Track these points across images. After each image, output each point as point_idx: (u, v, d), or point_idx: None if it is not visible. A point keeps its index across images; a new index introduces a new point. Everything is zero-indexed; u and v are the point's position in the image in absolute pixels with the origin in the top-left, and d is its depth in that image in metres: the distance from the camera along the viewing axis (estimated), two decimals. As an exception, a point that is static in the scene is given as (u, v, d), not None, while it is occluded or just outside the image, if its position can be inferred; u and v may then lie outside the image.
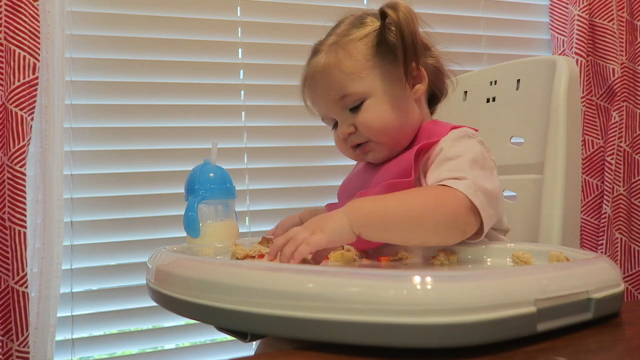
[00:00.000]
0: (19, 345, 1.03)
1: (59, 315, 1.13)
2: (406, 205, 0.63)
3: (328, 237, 0.60)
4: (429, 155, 0.74)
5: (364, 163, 0.89)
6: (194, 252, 0.79)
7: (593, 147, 1.49)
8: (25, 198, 1.03)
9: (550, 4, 1.59)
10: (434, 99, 0.88)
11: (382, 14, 0.77)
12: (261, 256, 0.69)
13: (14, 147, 1.02)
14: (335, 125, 0.83)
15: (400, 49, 0.75)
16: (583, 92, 1.47)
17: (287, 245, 0.60)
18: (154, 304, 0.62)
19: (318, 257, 0.64)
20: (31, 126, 1.05)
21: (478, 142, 0.74)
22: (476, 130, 0.79)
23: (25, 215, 1.03)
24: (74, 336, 1.19)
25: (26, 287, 1.03)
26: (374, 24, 0.80)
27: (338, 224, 0.61)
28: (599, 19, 1.48)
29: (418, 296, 0.41)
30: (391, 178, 0.74)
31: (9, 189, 1.02)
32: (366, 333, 0.41)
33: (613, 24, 1.48)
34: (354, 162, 0.96)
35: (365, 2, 1.44)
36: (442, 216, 0.63)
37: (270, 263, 0.59)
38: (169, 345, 1.27)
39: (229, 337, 0.75)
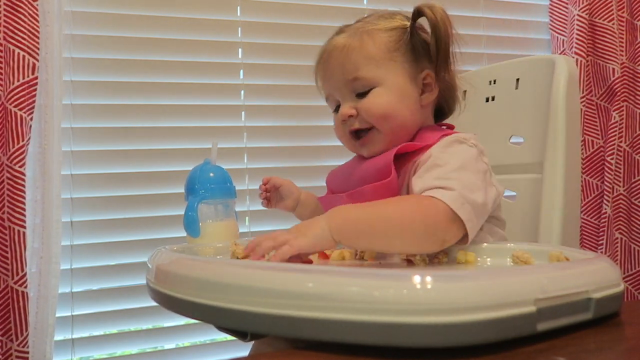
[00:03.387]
0: (18, 345, 1.03)
1: (58, 315, 1.13)
2: (386, 215, 0.64)
3: (310, 241, 0.61)
4: (417, 160, 0.74)
5: (355, 156, 0.87)
6: (194, 252, 0.79)
7: (593, 147, 1.49)
8: (24, 198, 1.03)
9: (550, 4, 1.58)
10: (440, 113, 0.87)
11: (418, 12, 0.78)
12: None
13: (13, 147, 1.02)
14: (337, 110, 0.83)
15: (434, 47, 0.76)
16: (583, 92, 1.47)
17: (266, 240, 0.61)
18: (154, 303, 0.62)
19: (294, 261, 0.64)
20: (30, 126, 1.05)
21: (469, 146, 0.74)
22: (474, 135, 0.78)
23: (24, 215, 1.03)
24: (74, 336, 1.19)
25: (25, 287, 1.03)
26: (402, 22, 0.81)
27: (319, 230, 0.62)
28: (599, 18, 1.48)
29: (418, 296, 0.41)
30: (370, 176, 0.74)
31: (8, 189, 1.02)
32: (366, 333, 0.41)
33: (613, 23, 1.48)
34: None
35: (365, 3, 1.44)
36: (422, 226, 0.63)
37: (270, 263, 0.59)
38: (169, 345, 1.27)
39: (229, 337, 0.75)
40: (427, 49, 0.79)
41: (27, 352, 1.04)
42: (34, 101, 1.05)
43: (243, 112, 1.35)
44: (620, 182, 1.47)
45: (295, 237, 0.61)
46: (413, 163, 0.74)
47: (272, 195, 0.99)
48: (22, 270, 1.02)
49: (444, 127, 0.83)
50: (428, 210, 0.63)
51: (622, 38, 1.51)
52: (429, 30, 0.78)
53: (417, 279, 0.41)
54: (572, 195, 0.90)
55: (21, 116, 1.02)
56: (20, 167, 1.02)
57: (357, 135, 0.80)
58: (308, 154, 1.39)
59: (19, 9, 1.04)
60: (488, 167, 0.74)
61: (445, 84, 0.82)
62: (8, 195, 1.02)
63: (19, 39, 1.03)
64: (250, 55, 1.35)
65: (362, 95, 0.78)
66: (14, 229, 1.02)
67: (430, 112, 0.84)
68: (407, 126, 0.79)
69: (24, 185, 1.03)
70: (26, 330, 1.03)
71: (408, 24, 0.80)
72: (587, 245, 1.46)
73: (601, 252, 1.44)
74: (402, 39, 0.79)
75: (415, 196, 0.67)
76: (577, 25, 1.47)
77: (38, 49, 1.05)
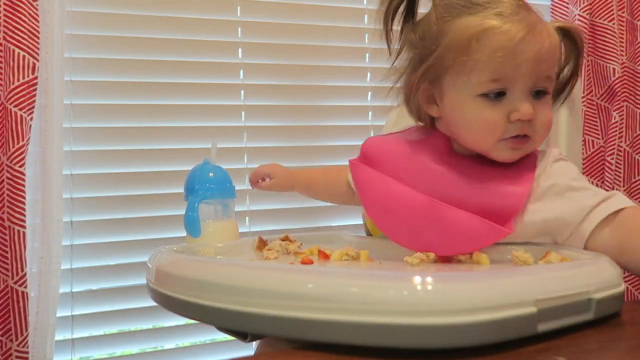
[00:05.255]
0: (18, 345, 1.03)
1: (59, 315, 1.13)
2: None
3: None
4: (534, 178, 0.70)
5: (416, 140, 0.77)
6: (194, 252, 0.79)
7: (593, 147, 1.49)
8: (24, 198, 1.03)
9: (552, 4, 1.58)
10: None
11: (568, 32, 0.77)
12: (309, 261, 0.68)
13: (13, 147, 1.02)
14: (498, 95, 0.69)
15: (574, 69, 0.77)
16: (583, 92, 1.47)
17: None
18: (154, 304, 0.62)
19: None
20: (30, 126, 1.05)
21: (565, 161, 0.74)
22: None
23: (24, 215, 1.03)
24: (74, 336, 1.19)
25: (25, 287, 1.03)
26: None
27: None
28: (600, 18, 1.48)
29: (418, 297, 0.41)
30: (503, 191, 0.69)
31: (8, 189, 1.02)
32: (366, 333, 0.41)
33: (613, 23, 1.48)
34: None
35: (365, 3, 1.44)
36: None
37: (270, 263, 0.60)
38: (169, 345, 1.27)
39: (229, 337, 0.74)
40: None
41: (27, 352, 1.04)
42: (34, 101, 1.05)
43: (243, 112, 1.35)
44: (620, 182, 1.47)
45: None
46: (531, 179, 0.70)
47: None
48: (22, 270, 1.02)
49: None
50: None
51: (623, 38, 1.50)
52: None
53: (417, 280, 0.41)
54: (573, 196, 0.90)
55: (21, 116, 1.02)
56: (20, 167, 1.02)
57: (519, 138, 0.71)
58: (308, 154, 1.39)
59: (19, 8, 1.03)
60: None
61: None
62: (8, 195, 1.02)
63: (19, 38, 1.03)
64: (250, 55, 1.35)
65: (538, 95, 0.71)
66: (14, 229, 1.02)
67: None
68: None
69: (24, 185, 1.03)
70: (26, 330, 1.03)
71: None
72: (588, 245, 1.46)
73: (601, 252, 1.44)
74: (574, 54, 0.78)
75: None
76: (578, 25, 1.47)
77: (38, 48, 1.05)
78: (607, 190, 0.69)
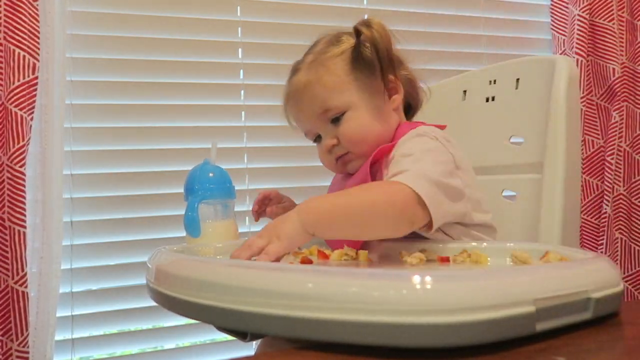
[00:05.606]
0: (18, 345, 1.03)
1: (59, 315, 1.13)
2: (354, 201, 0.66)
3: (285, 244, 0.62)
4: (388, 160, 0.77)
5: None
6: (194, 252, 0.79)
7: (593, 147, 1.49)
8: (25, 198, 1.03)
9: (551, 4, 1.59)
10: (409, 109, 0.92)
11: (357, 32, 0.81)
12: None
13: (13, 146, 1.02)
14: (317, 139, 0.86)
15: (377, 62, 0.80)
16: (583, 92, 1.47)
17: (243, 251, 0.62)
18: (154, 304, 0.62)
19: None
20: (31, 126, 1.05)
21: (431, 139, 0.77)
22: (441, 127, 0.82)
23: (24, 215, 1.03)
24: (74, 336, 1.19)
25: (26, 286, 1.03)
26: (349, 41, 0.84)
27: (291, 227, 0.63)
28: (600, 18, 1.48)
29: (417, 296, 0.41)
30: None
31: (8, 189, 1.02)
32: (366, 333, 0.41)
33: (613, 23, 1.48)
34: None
35: (365, 3, 1.44)
36: (390, 209, 0.65)
37: (270, 263, 0.60)
38: (169, 345, 1.27)
39: (229, 337, 0.75)
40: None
41: (27, 352, 1.04)
42: (34, 101, 1.05)
43: (243, 112, 1.35)
44: (620, 182, 1.47)
45: (270, 244, 0.62)
46: (386, 163, 0.77)
47: (265, 205, 0.99)
48: (23, 270, 1.02)
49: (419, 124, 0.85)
50: (394, 192, 0.66)
51: (622, 38, 1.51)
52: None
53: (416, 279, 0.41)
54: (572, 195, 0.90)
55: (21, 116, 1.02)
56: (20, 167, 1.02)
57: (340, 156, 0.84)
58: (308, 154, 1.38)
59: (19, 9, 1.04)
60: (453, 159, 0.76)
61: (404, 80, 0.87)
62: (8, 195, 1.02)
63: (20, 39, 1.03)
64: (250, 55, 1.35)
65: (336, 121, 0.82)
66: (14, 229, 1.02)
67: (402, 111, 0.88)
68: (384, 136, 0.82)
69: (24, 186, 1.03)
70: (26, 330, 1.03)
71: (354, 41, 0.83)
72: (587, 245, 1.46)
73: (601, 252, 1.44)
74: (354, 57, 0.82)
75: (379, 182, 0.72)
76: (578, 25, 1.47)
77: (38, 49, 1.05)
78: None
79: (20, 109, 1.03)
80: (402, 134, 0.80)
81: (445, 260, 0.66)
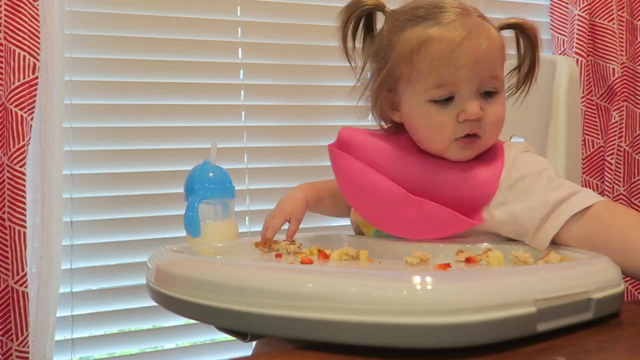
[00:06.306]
0: (18, 345, 1.03)
1: (59, 315, 1.13)
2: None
3: None
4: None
5: (387, 138, 0.80)
6: (194, 252, 0.79)
7: (593, 147, 1.49)
8: (25, 198, 1.03)
9: (551, 4, 1.58)
10: None
11: (520, 26, 0.83)
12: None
13: (13, 146, 1.02)
14: (447, 100, 0.72)
15: (528, 62, 0.79)
16: (583, 92, 1.47)
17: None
18: (154, 304, 0.62)
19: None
20: (31, 126, 1.05)
21: (533, 153, 0.76)
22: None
23: (25, 215, 1.03)
24: (74, 336, 1.19)
25: (26, 286, 1.03)
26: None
27: None
28: (599, 18, 1.48)
29: (418, 296, 0.41)
30: (457, 191, 0.72)
31: (8, 189, 1.02)
32: (366, 333, 0.41)
33: (613, 23, 1.48)
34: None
35: (365, 2, 1.44)
36: None
37: (270, 263, 0.60)
38: (169, 345, 1.27)
39: (229, 337, 0.75)
40: None
41: (27, 352, 1.04)
42: (34, 101, 1.05)
43: (243, 112, 1.35)
44: (620, 182, 1.47)
45: None
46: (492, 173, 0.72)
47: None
48: (23, 270, 1.02)
49: None
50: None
51: (622, 38, 1.50)
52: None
53: (417, 279, 0.41)
54: (572, 196, 0.90)
55: (21, 116, 1.02)
56: (20, 167, 1.02)
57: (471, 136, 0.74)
58: (308, 154, 1.39)
59: (19, 8, 1.04)
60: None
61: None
62: (8, 195, 1.02)
63: (20, 39, 1.03)
64: (250, 55, 1.35)
65: (487, 95, 0.73)
66: (14, 229, 1.02)
67: None
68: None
69: (24, 185, 1.03)
70: (26, 330, 1.03)
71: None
72: (587, 245, 1.46)
73: (601, 252, 1.44)
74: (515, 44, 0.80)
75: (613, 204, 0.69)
76: (577, 25, 1.47)
77: (38, 49, 1.05)
78: (607, 189, 0.70)
79: (21, 109, 1.03)
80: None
81: (446, 267, 0.66)
